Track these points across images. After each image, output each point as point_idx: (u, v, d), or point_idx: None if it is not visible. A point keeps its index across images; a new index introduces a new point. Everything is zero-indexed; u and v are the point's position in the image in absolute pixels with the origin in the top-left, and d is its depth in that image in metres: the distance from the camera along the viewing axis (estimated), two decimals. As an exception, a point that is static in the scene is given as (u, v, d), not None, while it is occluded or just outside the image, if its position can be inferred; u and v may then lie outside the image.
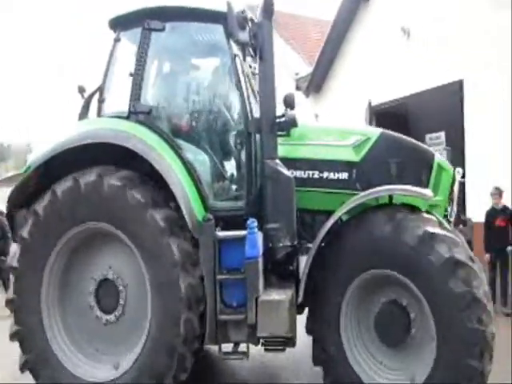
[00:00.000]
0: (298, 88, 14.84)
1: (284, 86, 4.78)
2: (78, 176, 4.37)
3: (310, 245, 4.67)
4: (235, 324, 4.29)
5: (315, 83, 14.53)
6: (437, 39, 10.44)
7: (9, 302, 4.56)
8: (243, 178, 4.75)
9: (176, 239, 4.26)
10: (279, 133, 4.56)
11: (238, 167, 4.81)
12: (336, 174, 4.83)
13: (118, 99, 4.94)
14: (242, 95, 4.72)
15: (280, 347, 4.27)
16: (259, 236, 4.29)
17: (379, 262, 4.07)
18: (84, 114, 5.18)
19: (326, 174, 4.84)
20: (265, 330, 4.16)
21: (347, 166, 4.82)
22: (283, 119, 4.55)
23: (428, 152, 4.86)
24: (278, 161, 4.52)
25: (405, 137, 4.93)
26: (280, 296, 4.23)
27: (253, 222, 4.25)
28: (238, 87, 4.73)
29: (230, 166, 4.89)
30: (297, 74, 15.51)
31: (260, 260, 4.22)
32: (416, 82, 10.88)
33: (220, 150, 4.89)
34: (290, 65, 15.44)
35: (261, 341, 4.37)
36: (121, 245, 4.45)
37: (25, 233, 4.48)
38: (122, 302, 4.46)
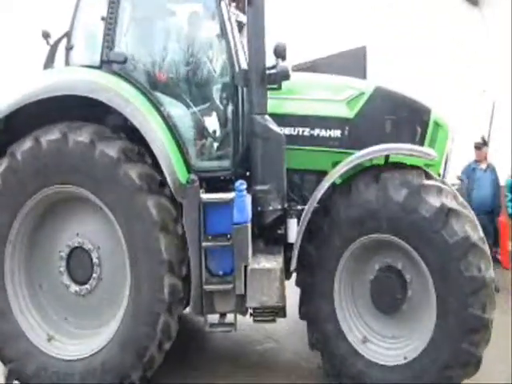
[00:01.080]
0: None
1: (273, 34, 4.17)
2: (40, 134, 3.79)
3: (298, 207, 4.28)
4: (222, 294, 3.89)
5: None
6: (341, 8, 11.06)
7: None
8: (229, 135, 4.26)
9: (154, 197, 3.78)
10: (269, 86, 4.04)
11: (223, 123, 4.30)
12: (328, 132, 4.38)
13: (88, 46, 4.30)
14: (227, 43, 4.15)
15: (270, 318, 3.91)
16: (248, 199, 3.84)
17: (375, 226, 3.70)
18: (49, 62, 4.51)
19: (316, 132, 4.39)
20: (254, 300, 3.78)
21: (340, 122, 4.37)
22: (274, 71, 4.02)
23: (424, 108, 4.43)
24: (267, 116, 4.03)
25: (401, 91, 4.48)
26: (270, 264, 3.84)
27: (241, 184, 3.80)
28: (224, 34, 4.15)
29: (214, 123, 4.36)
30: None
31: (249, 225, 3.79)
32: (324, 46, 11.29)
33: (203, 105, 4.34)
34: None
35: (249, 311, 4.00)
36: (93, 209, 3.95)
37: None
38: (96, 272, 4.01)
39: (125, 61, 4.14)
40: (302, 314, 4.03)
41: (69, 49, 4.31)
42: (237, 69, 4.14)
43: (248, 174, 4.22)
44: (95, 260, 4.01)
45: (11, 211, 3.90)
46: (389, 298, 3.77)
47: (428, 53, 9.39)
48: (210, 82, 4.38)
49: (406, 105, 4.42)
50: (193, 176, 3.90)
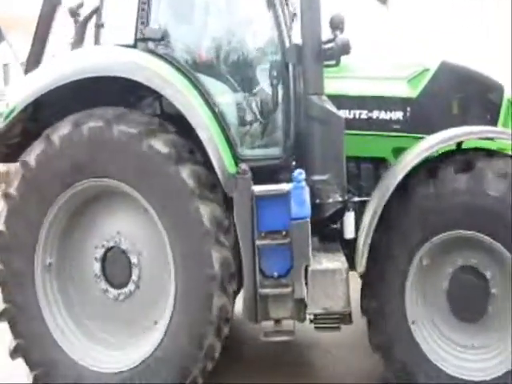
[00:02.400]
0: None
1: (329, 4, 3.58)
2: (80, 119, 3.27)
3: (355, 199, 3.72)
4: (278, 298, 3.35)
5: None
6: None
7: None
8: (278, 119, 3.70)
9: (206, 202, 3.25)
10: (325, 62, 3.46)
11: (272, 106, 3.72)
12: (388, 114, 3.81)
13: (120, 23, 3.75)
14: (276, 15, 3.58)
15: (334, 325, 3.36)
16: (307, 191, 3.28)
17: (457, 221, 3.12)
18: (78, 42, 3.96)
19: (375, 114, 3.82)
20: (317, 305, 3.25)
21: (401, 103, 3.81)
22: (331, 45, 3.44)
23: (496, 84, 3.85)
24: (324, 97, 3.46)
25: (469, 66, 3.88)
26: (333, 263, 3.30)
27: (300, 174, 3.25)
28: (271, 5, 3.58)
29: (262, 106, 3.79)
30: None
31: (309, 221, 3.24)
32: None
33: (249, 86, 3.78)
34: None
35: (308, 317, 3.45)
36: (134, 206, 3.43)
37: (12, 189, 3.40)
38: (134, 276, 3.48)
39: (162, 38, 3.59)
40: (365, 311, 3.46)
41: (99, 26, 3.78)
42: (287, 44, 3.58)
43: (295, 163, 3.69)
44: (134, 261, 3.49)
45: (46, 200, 3.38)
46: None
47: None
48: (257, 61, 3.81)
49: (475, 81, 3.84)
50: (244, 166, 3.35)
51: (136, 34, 3.60)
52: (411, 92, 3.79)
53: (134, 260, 3.47)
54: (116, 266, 3.52)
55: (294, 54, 3.52)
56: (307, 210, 3.24)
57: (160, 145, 3.22)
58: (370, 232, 3.18)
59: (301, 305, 3.34)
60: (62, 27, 4.02)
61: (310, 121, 3.48)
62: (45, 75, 3.42)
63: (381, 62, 4.01)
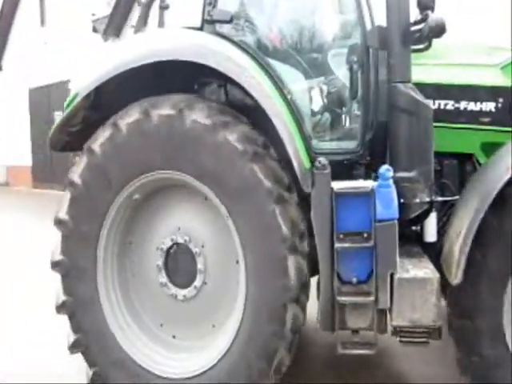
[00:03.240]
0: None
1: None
2: (149, 107, 2.99)
3: (439, 199, 3.31)
4: (357, 307, 2.99)
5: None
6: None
7: (56, 264, 3.28)
8: (356, 109, 3.33)
9: (284, 205, 2.93)
10: (414, 47, 3.07)
11: (350, 95, 3.34)
12: (478, 105, 3.37)
13: (186, 4, 3.44)
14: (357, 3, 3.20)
15: (422, 340, 2.98)
16: (394, 190, 2.90)
17: None
18: (141, 24, 3.67)
19: (463, 105, 3.37)
20: (404, 317, 2.87)
21: (493, 93, 3.35)
22: (420, 26, 3.04)
23: None
24: (412, 85, 3.07)
25: None
26: (423, 272, 2.91)
27: (387, 171, 2.87)
28: None
29: (338, 95, 3.42)
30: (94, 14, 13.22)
31: (396, 223, 2.86)
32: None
33: (324, 73, 3.41)
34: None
35: (390, 328, 3.08)
36: (203, 204, 3.13)
37: (76, 177, 3.16)
38: (198, 280, 3.20)
39: (231, 20, 3.27)
40: (454, 331, 3.07)
41: (163, 8, 3.48)
42: (369, 26, 3.20)
43: (369, 158, 3.31)
44: (200, 263, 3.20)
45: (111, 190, 3.12)
46: None
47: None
48: (333, 45, 3.44)
49: None
50: (323, 160, 2.99)
51: (203, 16, 3.29)
52: (504, 81, 3.35)
53: (199, 264, 3.19)
54: (180, 266, 3.25)
55: (376, 37, 3.13)
56: (395, 210, 2.86)
57: (235, 139, 2.91)
58: (469, 239, 2.76)
59: (383, 315, 2.99)
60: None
61: (395, 111, 3.09)
62: (108, 60, 3.14)
63: (468, 46, 3.57)
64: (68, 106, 3.21)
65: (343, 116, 3.42)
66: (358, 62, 3.26)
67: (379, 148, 3.28)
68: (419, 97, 3.04)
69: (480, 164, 3.46)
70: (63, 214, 3.18)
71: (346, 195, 2.96)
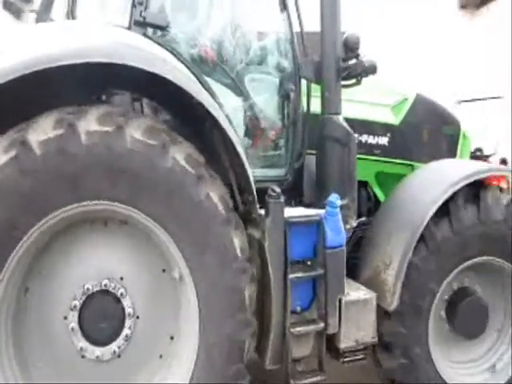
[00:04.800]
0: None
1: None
2: (71, 119, 2.30)
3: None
4: (303, 336, 2.93)
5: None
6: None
7: None
8: (286, 137, 3.30)
9: (237, 231, 2.66)
10: (345, 82, 3.25)
11: (281, 123, 3.30)
12: (375, 138, 3.78)
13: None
14: (289, 25, 3.20)
15: (362, 357, 3.10)
16: (340, 217, 2.98)
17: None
18: (45, 12, 2.81)
19: (364, 138, 3.74)
20: (350, 338, 2.97)
21: (386, 129, 3.83)
22: (351, 64, 3.22)
23: (456, 120, 4.18)
24: (341, 117, 3.22)
25: (436, 100, 4.12)
26: (363, 294, 3.06)
27: (337, 199, 2.93)
28: (283, 8, 3.19)
29: (269, 121, 3.32)
30: None
31: (345, 249, 2.94)
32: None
33: (255, 98, 3.26)
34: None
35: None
36: (133, 238, 2.62)
37: None
38: (127, 330, 2.61)
39: (166, 26, 2.85)
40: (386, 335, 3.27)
41: (75, -3, 2.77)
42: (300, 58, 3.23)
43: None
44: (128, 309, 2.61)
45: (13, 237, 2.27)
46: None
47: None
48: (268, 72, 3.32)
49: (440, 115, 4.11)
50: (276, 188, 2.85)
51: (132, 16, 2.78)
52: (394, 119, 3.84)
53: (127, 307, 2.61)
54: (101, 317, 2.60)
55: (310, 70, 3.20)
56: (343, 237, 2.95)
57: (183, 159, 2.51)
58: (403, 270, 3.03)
59: (322, 340, 3.00)
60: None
61: (328, 141, 3.20)
62: (12, 55, 2.31)
63: (369, 86, 3.94)
64: None
65: (273, 142, 3.33)
66: (288, 90, 3.26)
67: (307, 177, 3.35)
68: (350, 128, 3.22)
69: (373, 190, 3.87)
70: None
71: (298, 224, 2.90)
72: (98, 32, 2.54)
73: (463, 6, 11.19)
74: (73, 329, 2.49)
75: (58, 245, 2.52)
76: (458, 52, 9.87)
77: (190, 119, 2.76)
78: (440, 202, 3.07)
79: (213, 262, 2.57)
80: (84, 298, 2.51)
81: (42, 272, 2.50)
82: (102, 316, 2.57)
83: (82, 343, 2.51)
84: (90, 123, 2.33)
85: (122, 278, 2.59)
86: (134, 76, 2.41)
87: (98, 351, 2.54)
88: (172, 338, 2.69)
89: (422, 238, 3.10)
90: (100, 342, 2.55)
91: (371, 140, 3.76)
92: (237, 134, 2.91)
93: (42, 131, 2.27)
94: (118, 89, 2.81)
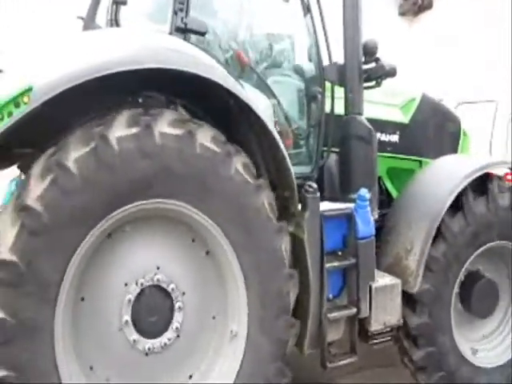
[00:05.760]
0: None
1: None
2: (148, 120, 2.41)
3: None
4: (336, 321, 3.14)
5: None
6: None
7: None
8: (312, 136, 3.49)
9: (286, 237, 2.85)
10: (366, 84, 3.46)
11: (307, 123, 3.48)
12: (387, 136, 4.02)
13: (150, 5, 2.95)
14: (313, 29, 3.38)
15: (389, 339, 3.33)
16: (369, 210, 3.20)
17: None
18: (91, 19, 2.87)
19: (378, 136, 3.94)
20: (379, 321, 3.19)
21: (397, 127, 4.08)
22: (370, 66, 3.44)
23: (457, 117, 4.47)
24: (364, 117, 3.44)
25: (437, 100, 4.39)
26: (389, 280, 3.29)
27: (366, 193, 3.14)
28: (308, 18, 3.37)
29: (296, 121, 3.50)
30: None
31: (374, 239, 3.17)
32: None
33: (284, 99, 3.43)
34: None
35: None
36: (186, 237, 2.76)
37: (32, 201, 2.21)
38: (176, 322, 2.73)
39: (205, 32, 2.99)
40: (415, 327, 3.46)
41: (120, 3, 2.86)
42: (325, 61, 3.42)
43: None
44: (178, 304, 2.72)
45: (62, 253, 2.31)
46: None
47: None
48: (294, 74, 3.49)
49: (443, 113, 4.39)
50: (313, 184, 3.04)
51: (174, 22, 2.90)
52: (404, 118, 4.09)
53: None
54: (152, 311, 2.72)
55: (335, 73, 3.39)
56: (372, 228, 3.17)
57: (241, 167, 2.67)
58: (425, 254, 3.29)
59: (354, 324, 3.22)
60: None
61: (352, 139, 3.41)
62: (75, 58, 2.37)
63: (381, 88, 4.17)
64: (17, 102, 2.27)
65: (301, 142, 3.51)
66: (313, 92, 3.45)
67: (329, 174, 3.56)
68: (371, 127, 3.44)
69: (385, 185, 4.11)
70: (6, 253, 2.24)
71: (332, 217, 3.10)
72: (151, 38, 2.64)
73: (402, 14, 11.91)
74: (126, 322, 2.62)
75: (112, 241, 2.62)
76: (397, 56, 10.35)
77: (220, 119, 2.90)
78: (456, 193, 3.35)
79: (265, 267, 2.75)
80: (137, 292, 2.63)
81: (96, 272, 2.58)
82: (152, 309, 2.71)
83: (135, 336, 2.64)
84: (163, 126, 2.47)
85: (158, 268, 2.68)
86: (174, 79, 2.54)
87: (149, 343, 2.68)
88: (220, 334, 2.83)
89: (439, 232, 3.37)
90: (151, 335, 2.69)
91: (384, 138, 3.99)
92: None
93: (119, 128, 2.38)
94: (154, 91, 2.92)
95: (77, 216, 2.29)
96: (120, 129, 2.37)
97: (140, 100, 2.89)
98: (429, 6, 9.95)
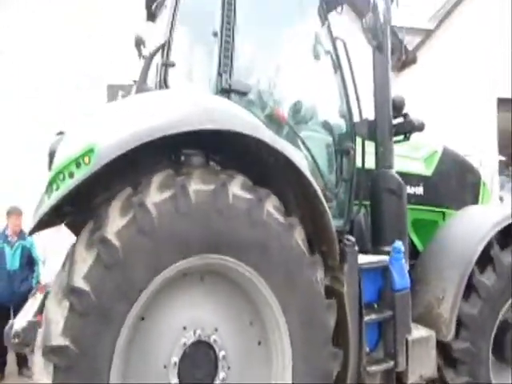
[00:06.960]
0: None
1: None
2: (184, 181, 2.52)
3: None
4: (373, 374, 3.13)
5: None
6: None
7: None
8: (346, 191, 3.57)
9: (321, 271, 2.90)
10: (396, 138, 3.60)
11: (339, 177, 3.57)
12: (412, 188, 4.10)
13: (197, 66, 3.11)
14: (345, 88, 3.54)
15: (425, 391, 3.32)
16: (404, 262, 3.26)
17: None
18: (143, 81, 3.01)
19: None
20: (416, 374, 3.19)
21: (421, 179, 4.18)
22: (398, 121, 3.60)
23: (476, 170, 4.60)
24: (394, 171, 3.55)
25: (458, 152, 4.54)
26: (425, 332, 3.31)
27: (401, 245, 3.21)
28: (339, 76, 3.53)
29: (329, 176, 3.59)
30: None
31: (409, 292, 3.21)
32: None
33: (318, 154, 3.54)
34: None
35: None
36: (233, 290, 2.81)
37: (80, 281, 2.31)
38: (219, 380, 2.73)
39: (248, 92, 3.14)
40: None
41: (168, 65, 3.01)
42: (355, 118, 3.57)
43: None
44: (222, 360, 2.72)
45: (133, 292, 2.41)
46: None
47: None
48: (327, 130, 3.62)
49: (465, 166, 4.52)
50: (351, 237, 3.12)
51: (220, 84, 3.04)
52: (427, 170, 4.21)
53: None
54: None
55: (365, 129, 3.53)
56: (408, 280, 3.22)
57: (273, 210, 2.75)
58: (457, 302, 3.33)
59: (391, 377, 3.21)
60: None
61: (384, 193, 3.51)
62: (136, 120, 2.47)
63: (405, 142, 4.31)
64: (78, 160, 2.37)
65: (333, 196, 3.58)
66: (345, 147, 3.55)
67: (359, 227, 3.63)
68: (401, 180, 3.54)
69: (410, 236, 4.17)
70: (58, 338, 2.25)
71: (369, 270, 3.16)
72: (206, 100, 2.77)
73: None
74: (175, 363, 2.61)
75: (184, 282, 2.69)
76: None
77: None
78: (486, 242, 3.43)
79: (304, 303, 2.77)
80: (182, 352, 2.63)
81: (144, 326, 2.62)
82: (199, 362, 2.71)
83: (175, 380, 2.61)
84: (196, 183, 2.56)
85: (216, 329, 2.73)
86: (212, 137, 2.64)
87: None
88: (266, 376, 2.83)
89: (470, 283, 3.42)
90: None
91: (409, 190, 4.07)
92: None
93: (154, 192, 2.48)
94: (192, 149, 3.01)
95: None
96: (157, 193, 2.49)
97: (182, 158, 2.99)
98: (413, 61, 10.22)
